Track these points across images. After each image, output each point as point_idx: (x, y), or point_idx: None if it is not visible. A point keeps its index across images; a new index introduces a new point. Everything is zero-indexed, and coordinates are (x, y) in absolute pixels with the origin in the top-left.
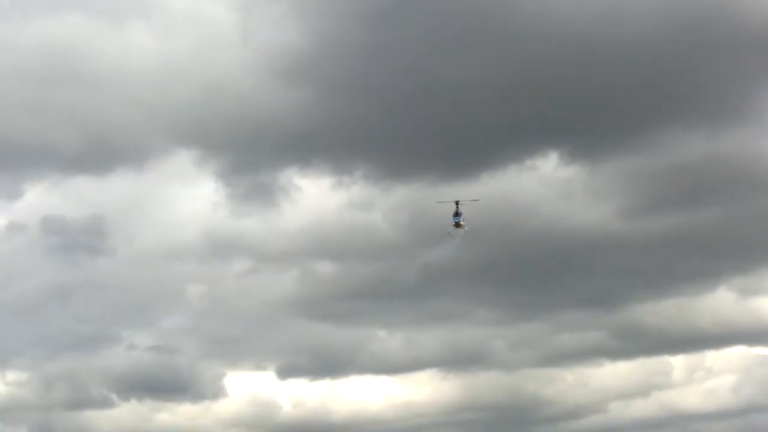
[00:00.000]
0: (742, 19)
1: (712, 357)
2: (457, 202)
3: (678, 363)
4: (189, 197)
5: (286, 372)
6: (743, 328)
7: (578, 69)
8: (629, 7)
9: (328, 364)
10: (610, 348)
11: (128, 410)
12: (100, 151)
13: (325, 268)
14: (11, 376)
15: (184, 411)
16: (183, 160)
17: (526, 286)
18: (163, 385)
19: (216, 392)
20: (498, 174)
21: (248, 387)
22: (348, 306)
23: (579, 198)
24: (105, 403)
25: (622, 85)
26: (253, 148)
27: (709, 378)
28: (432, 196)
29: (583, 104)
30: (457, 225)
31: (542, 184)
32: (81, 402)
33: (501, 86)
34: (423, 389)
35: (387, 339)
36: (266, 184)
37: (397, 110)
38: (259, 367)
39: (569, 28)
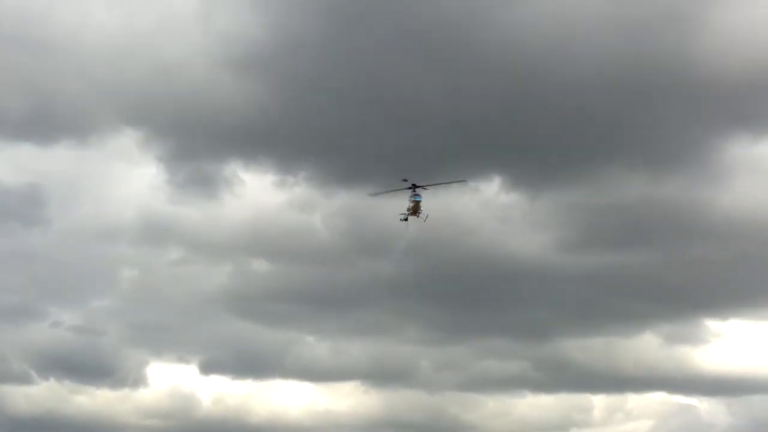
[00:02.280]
0: (690, 65)
1: (633, 400)
2: (414, 185)
3: (599, 402)
4: (130, 178)
5: (209, 367)
6: (666, 374)
7: (530, 99)
8: (582, 42)
9: (252, 364)
10: (534, 379)
11: (46, 388)
12: (44, 120)
13: (260, 266)
14: None
15: (102, 396)
16: (127, 139)
17: (456, 307)
18: (84, 367)
19: (137, 381)
20: (440, 192)
21: (170, 379)
22: (279, 307)
23: (517, 225)
24: (23, 379)
25: (570, 119)
26: (199, 135)
27: (627, 420)
28: (373, 206)
29: (530, 134)
30: (415, 209)
31: (483, 207)
32: None
33: (454, 106)
34: (344, 400)
35: (314, 345)
36: (209, 174)
37: (348, 116)
38: (183, 359)
39: (524, 58)
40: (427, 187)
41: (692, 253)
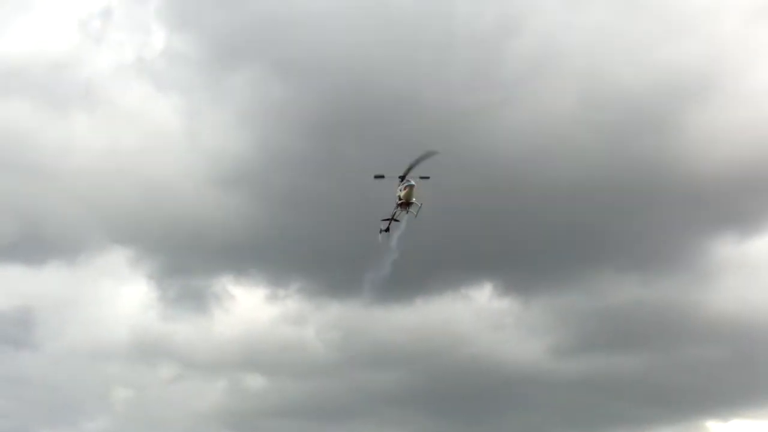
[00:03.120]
0: (672, 168)
1: None
2: (404, 176)
3: None
4: (120, 296)
5: None
6: None
7: (518, 205)
8: (564, 149)
9: None
10: None
11: None
12: (33, 242)
13: (255, 381)
14: None
15: None
16: (117, 258)
17: (454, 415)
18: None
19: None
20: (433, 300)
21: None
22: (275, 423)
23: (511, 331)
24: None
25: (559, 224)
26: (188, 252)
27: None
28: (366, 317)
29: (519, 240)
30: (408, 198)
31: (476, 314)
32: None
33: (441, 216)
34: None
35: None
36: (199, 290)
37: (337, 228)
38: None
39: (511, 164)
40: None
41: (688, 354)
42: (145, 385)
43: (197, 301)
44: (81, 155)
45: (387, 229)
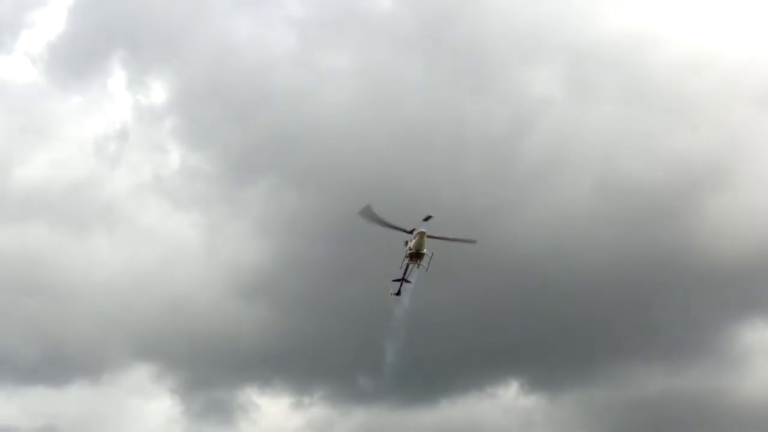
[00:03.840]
0: (701, 253)
1: None
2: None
3: None
4: (145, 413)
5: None
6: None
7: (539, 299)
8: (589, 238)
9: None
10: None
11: None
12: (57, 363)
13: None
14: None
15: None
16: (140, 374)
17: None
18: None
19: None
20: (458, 401)
21: None
22: None
23: (540, 429)
24: None
25: (582, 316)
26: (211, 365)
27: None
28: (392, 421)
29: (543, 334)
30: (419, 247)
31: (503, 412)
32: None
33: (462, 314)
34: None
35: None
36: (224, 402)
37: (360, 332)
38: None
39: (530, 259)
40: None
41: None
42: None
43: (222, 413)
44: (101, 274)
45: (398, 293)
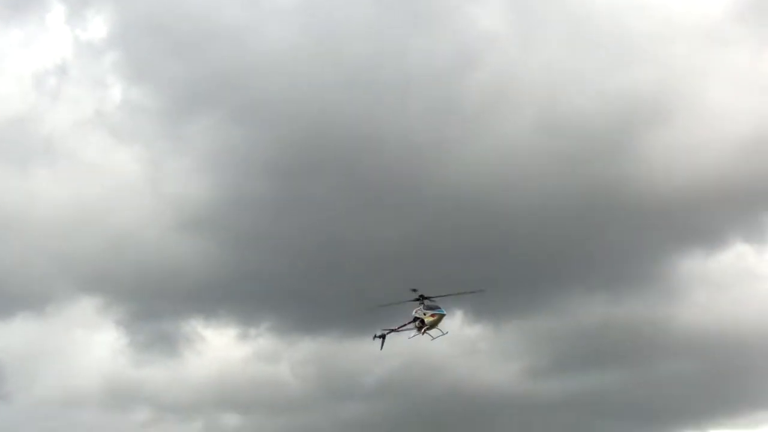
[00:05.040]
0: (641, 187)
1: None
2: (421, 296)
3: None
4: (90, 344)
5: None
6: None
7: (483, 232)
8: (532, 173)
9: None
10: None
11: None
12: (1, 296)
13: (231, 420)
14: None
15: None
16: (85, 307)
17: None
18: None
19: None
20: (404, 330)
21: None
22: None
23: (485, 357)
24: None
25: (524, 248)
26: (156, 297)
27: None
28: (339, 350)
29: (487, 266)
30: (432, 324)
31: (448, 341)
32: None
33: (405, 245)
34: None
35: None
36: (169, 334)
37: (303, 264)
38: None
39: (473, 191)
40: (434, 299)
41: (661, 369)
42: (121, 430)
43: (168, 344)
44: (44, 208)
45: (383, 336)
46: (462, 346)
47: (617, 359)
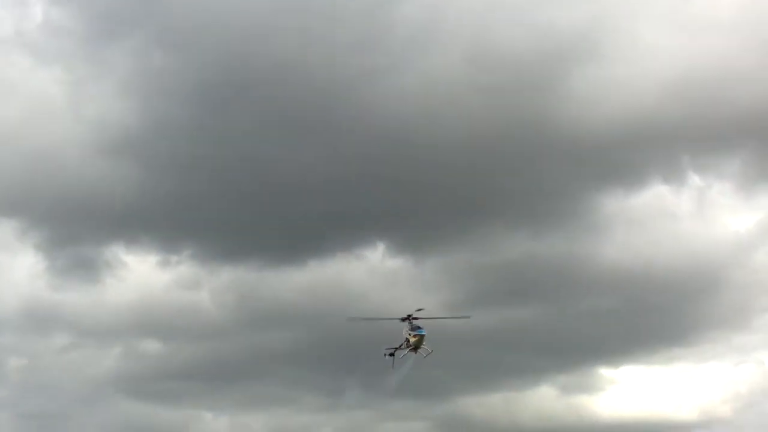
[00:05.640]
0: (567, 123)
1: None
2: (409, 316)
3: None
4: (8, 269)
5: None
6: (565, 423)
7: (407, 164)
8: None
9: None
10: None
11: None
12: None
13: (150, 346)
14: None
15: None
16: (3, 230)
17: (350, 374)
18: None
19: None
20: (326, 262)
21: None
22: (173, 386)
23: (405, 289)
24: None
25: (448, 182)
26: (76, 222)
27: None
28: (260, 279)
29: (411, 199)
30: (417, 345)
31: (370, 274)
32: None
33: (330, 176)
34: None
35: (213, 421)
36: (90, 259)
37: (226, 193)
38: None
39: (399, 122)
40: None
41: (579, 305)
42: (39, 354)
43: (88, 270)
44: None
45: (392, 354)
46: (383, 277)
47: (536, 295)
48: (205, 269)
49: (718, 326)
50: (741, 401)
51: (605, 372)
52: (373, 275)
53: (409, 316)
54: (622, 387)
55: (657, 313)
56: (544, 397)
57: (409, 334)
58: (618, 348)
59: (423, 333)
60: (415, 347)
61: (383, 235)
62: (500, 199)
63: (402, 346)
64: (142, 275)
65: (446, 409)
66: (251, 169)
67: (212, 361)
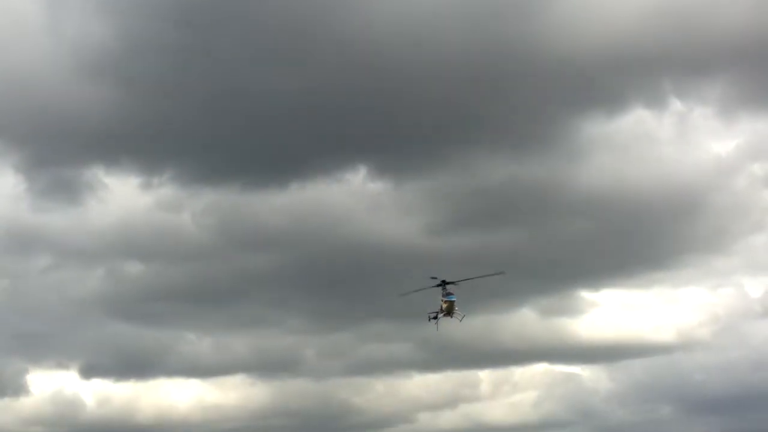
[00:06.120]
0: (547, 47)
1: (518, 372)
2: (444, 282)
3: (485, 377)
4: None
5: (90, 371)
6: (546, 345)
7: (389, 87)
8: (439, 30)
9: (134, 365)
10: (419, 360)
11: None
12: None
13: (133, 268)
14: None
15: None
16: None
17: (336, 295)
18: None
19: (17, 389)
20: (308, 184)
21: (51, 385)
22: (156, 307)
23: (386, 212)
24: None
25: (430, 105)
26: (56, 143)
27: (514, 392)
28: (242, 202)
29: (392, 122)
30: (449, 310)
31: (351, 197)
32: None
33: (312, 99)
34: (232, 393)
35: (196, 342)
36: (70, 181)
37: (207, 115)
38: (62, 365)
39: (379, 48)
40: (458, 283)
41: (559, 229)
42: (21, 275)
43: (68, 191)
44: None
45: (435, 317)
46: (364, 200)
47: (518, 218)
48: (186, 191)
49: (697, 250)
50: (719, 324)
51: (586, 295)
52: (354, 198)
53: (444, 281)
54: (602, 310)
55: (637, 237)
56: (525, 319)
57: (443, 301)
58: (598, 271)
59: (453, 299)
60: (448, 312)
61: (365, 159)
62: (481, 123)
63: (440, 311)
64: (123, 197)
65: (428, 331)
66: (233, 91)
67: (195, 283)
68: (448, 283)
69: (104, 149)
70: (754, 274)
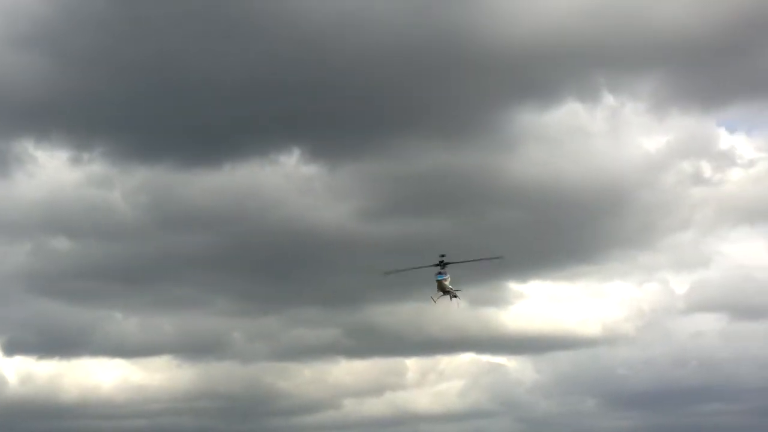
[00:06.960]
0: (475, 38)
1: (445, 361)
2: (441, 263)
3: (412, 365)
4: None
5: (12, 348)
6: (473, 335)
7: (324, 70)
8: (374, 12)
9: (59, 343)
10: (347, 346)
11: None
12: None
13: (60, 244)
14: None
15: None
16: None
17: (264, 279)
18: None
19: None
20: (241, 165)
21: None
22: (83, 285)
23: (319, 196)
24: None
25: (366, 91)
26: None
27: (440, 381)
28: (173, 181)
29: (327, 106)
30: (442, 289)
31: (284, 179)
32: None
33: (248, 79)
34: (157, 375)
35: (122, 321)
36: None
37: (141, 91)
38: None
39: (316, 28)
40: (456, 264)
41: (489, 219)
42: None
43: None
44: None
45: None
46: (297, 184)
47: (448, 207)
48: (117, 168)
49: (624, 245)
50: (643, 319)
51: (513, 286)
52: (288, 180)
53: (441, 262)
54: (529, 301)
55: (566, 230)
56: (453, 308)
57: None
58: (526, 263)
59: (439, 278)
60: (443, 290)
61: (299, 141)
62: (415, 109)
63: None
64: (52, 171)
65: (356, 318)
66: (167, 67)
67: (123, 262)
68: (447, 264)
69: (34, 122)
70: (679, 270)
